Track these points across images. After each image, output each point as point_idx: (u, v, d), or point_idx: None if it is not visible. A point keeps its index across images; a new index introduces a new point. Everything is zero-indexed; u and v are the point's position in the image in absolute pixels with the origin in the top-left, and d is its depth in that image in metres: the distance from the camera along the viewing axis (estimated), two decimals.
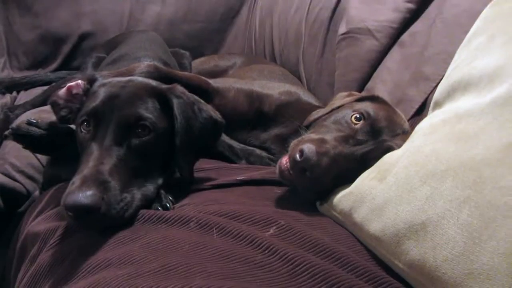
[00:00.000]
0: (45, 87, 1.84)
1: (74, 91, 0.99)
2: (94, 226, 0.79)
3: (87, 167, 0.81)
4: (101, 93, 0.91)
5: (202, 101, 1.02)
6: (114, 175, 0.81)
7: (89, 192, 0.74)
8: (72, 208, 0.74)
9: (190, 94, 1.00)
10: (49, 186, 1.13)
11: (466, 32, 0.93)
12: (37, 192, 1.33)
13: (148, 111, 0.90)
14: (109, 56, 1.79)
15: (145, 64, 1.22)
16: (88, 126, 0.89)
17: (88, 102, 0.92)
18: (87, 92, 0.97)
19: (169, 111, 0.94)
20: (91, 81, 0.98)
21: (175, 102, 0.94)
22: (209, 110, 1.01)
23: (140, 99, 0.91)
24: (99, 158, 0.82)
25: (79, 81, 0.99)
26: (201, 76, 1.37)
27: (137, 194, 0.84)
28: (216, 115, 1.02)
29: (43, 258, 0.81)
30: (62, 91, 0.99)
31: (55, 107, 1.00)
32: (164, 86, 0.98)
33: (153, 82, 0.99)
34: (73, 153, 0.98)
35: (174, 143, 0.94)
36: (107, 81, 0.97)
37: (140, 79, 1.00)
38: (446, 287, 0.61)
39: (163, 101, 0.94)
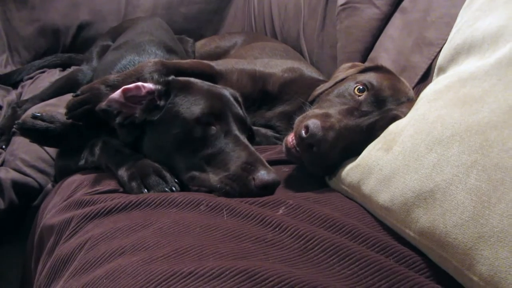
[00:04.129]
0: (53, 80, 1.85)
1: (129, 94, 0.96)
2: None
3: (250, 155, 0.90)
4: (213, 93, 1.00)
5: None
6: None
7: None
8: (272, 185, 0.87)
9: None
10: (61, 178, 1.15)
11: None
12: (49, 185, 1.35)
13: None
14: (115, 42, 1.78)
15: (151, 62, 1.19)
16: (208, 125, 0.94)
17: (193, 103, 0.96)
18: (163, 93, 0.98)
19: None
20: (166, 83, 0.99)
21: None
22: None
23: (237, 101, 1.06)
24: (246, 147, 0.93)
25: (139, 83, 0.96)
26: (203, 61, 1.36)
27: None
28: None
29: (60, 250, 0.82)
30: (117, 94, 0.95)
31: (109, 113, 0.95)
32: None
33: None
34: (79, 144, 0.98)
35: None
36: (201, 83, 1.03)
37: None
38: (457, 252, 0.61)
39: None
